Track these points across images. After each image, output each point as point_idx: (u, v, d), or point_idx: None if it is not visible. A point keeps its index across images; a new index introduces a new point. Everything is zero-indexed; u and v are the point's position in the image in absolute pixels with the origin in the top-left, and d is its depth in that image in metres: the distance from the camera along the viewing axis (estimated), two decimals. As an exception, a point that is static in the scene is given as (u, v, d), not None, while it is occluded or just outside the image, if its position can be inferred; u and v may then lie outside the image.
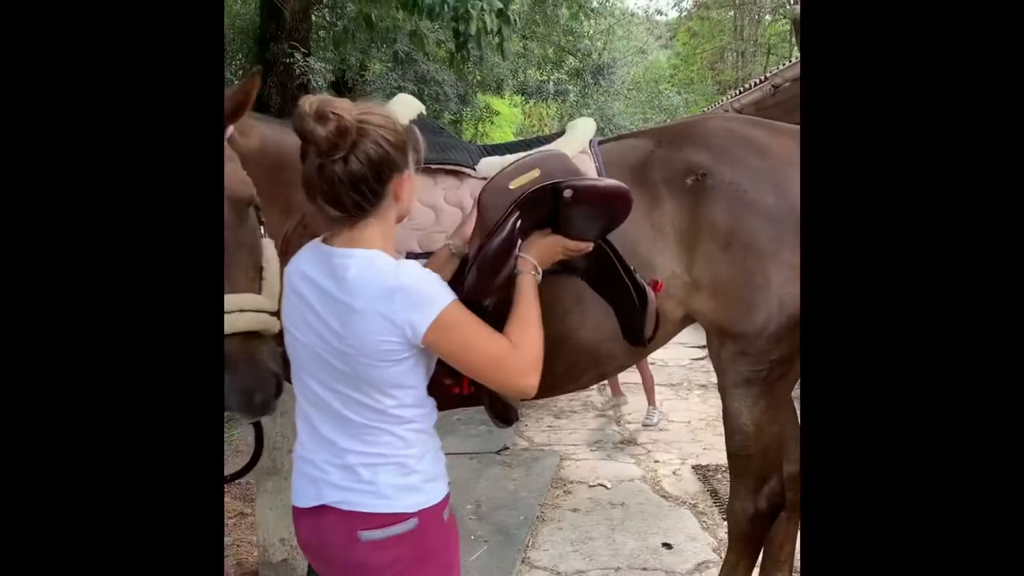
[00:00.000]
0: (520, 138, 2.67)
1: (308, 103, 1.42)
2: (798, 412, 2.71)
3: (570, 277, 2.20)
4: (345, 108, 1.42)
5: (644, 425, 5.84)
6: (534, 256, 1.72)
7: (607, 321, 2.23)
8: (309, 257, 1.55)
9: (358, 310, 1.44)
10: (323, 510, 1.53)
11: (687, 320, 2.35)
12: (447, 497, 1.59)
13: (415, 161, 1.57)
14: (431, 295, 1.47)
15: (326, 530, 1.53)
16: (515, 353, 1.55)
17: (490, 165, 2.32)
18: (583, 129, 2.42)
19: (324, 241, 1.55)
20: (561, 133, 2.46)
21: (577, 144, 2.35)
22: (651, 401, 5.95)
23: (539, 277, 1.71)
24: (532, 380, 1.58)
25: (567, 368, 2.30)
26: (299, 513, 1.60)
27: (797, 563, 2.86)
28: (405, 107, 2.41)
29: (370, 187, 1.45)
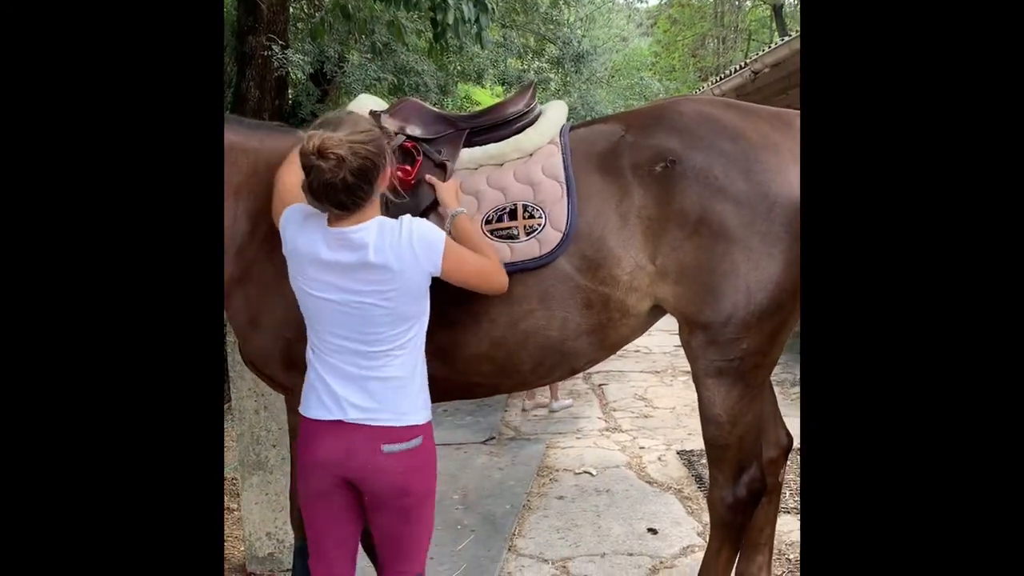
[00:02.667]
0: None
1: (312, 143, 1.80)
2: (775, 394, 2.73)
3: (535, 274, 2.19)
4: (337, 142, 1.80)
5: (551, 411, 5.91)
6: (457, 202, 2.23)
7: (574, 319, 2.22)
8: (322, 239, 1.91)
9: (396, 267, 1.87)
10: (348, 427, 1.93)
11: (657, 311, 2.32)
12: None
13: (391, 156, 1.95)
14: (433, 233, 1.94)
15: (353, 443, 1.93)
16: (485, 262, 2.06)
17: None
18: (553, 117, 2.40)
19: (330, 223, 1.91)
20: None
21: (547, 134, 2.34)
22: (553, 395, 6.00)
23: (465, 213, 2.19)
24: (502, 280, 2.09)
25: (534, 366, 2.29)
26: (321, 428, 1.96)
27: (778, 544, 2.89)
28: (366, 109, 2.41)
29: (362, 190, 1.87)
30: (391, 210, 2.11)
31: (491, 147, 2.34)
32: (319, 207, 1.91)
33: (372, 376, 1.94)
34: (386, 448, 1.93)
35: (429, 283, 1.97)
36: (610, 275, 2.19)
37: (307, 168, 1.83)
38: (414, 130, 2.35)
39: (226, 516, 4.06)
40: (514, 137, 2.35)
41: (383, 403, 1.94)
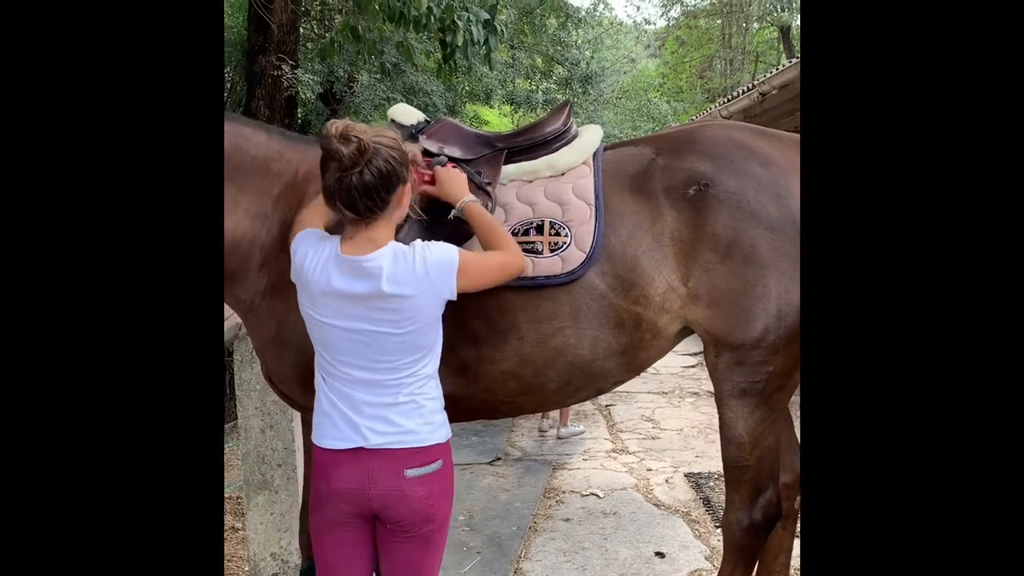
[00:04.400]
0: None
1: (335, 126, 1.75)
2: (795, 420, 2.70)
3: (568, 291, 2.18)
4: (363, 131, 1.75)
5: (559, 438, 5.76)
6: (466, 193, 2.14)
7: (605, 338, 2.22)
8: (335, 266, 1.83)
9: (410, 296, 1.80)
10: (368, 453, 1.86)
11: (684, 332, 2.32)
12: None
13: (414, 178, 1.93)
14: (447, 256, 1.86)
15: (373, 469, 1.86)
16: (503, 255, 1.99)
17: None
18: (589, 139, 2.39)
19: (343, 249, 1.84)
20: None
21: (582, 155, 2.33)
22: (563, 421, 5.83)
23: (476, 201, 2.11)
24: (520, 261, 2.03)
25: (561, 386, 2.27)
26: (339, 457, 1.88)
27: (793, 573, 2.85)
28: (404, 116, 2.41)
29: (380, 195, 1.79)
30: (445, 225, 2.10)
31: (525, 164, 2.34)
32: (332, 210, 1.85)
33: (388, 403, 1.87)
34: (409, 472, 1.86)
35: (443, 310, 1.90)
36: (643, 295, 2.19)
37: (326, 155, 1.76)
38: (453, 151, 2.33)
39: (231, 536, 4.04)
40: (548, 155, 2.34)
41: (403, 427, 1.87)
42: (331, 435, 1.89)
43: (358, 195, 1.77)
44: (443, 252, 1.87)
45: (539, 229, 2.22)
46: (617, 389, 6.93)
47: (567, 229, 2.20)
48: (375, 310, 1.81)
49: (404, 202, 1.89)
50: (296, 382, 2.24)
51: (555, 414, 5.83)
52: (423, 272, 1.81)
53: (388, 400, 1.87)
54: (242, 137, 2.24)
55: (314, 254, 1.88)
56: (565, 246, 2.19)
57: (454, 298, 1.88)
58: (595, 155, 2.35)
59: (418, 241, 1.90)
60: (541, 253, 2.19)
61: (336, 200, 1.79)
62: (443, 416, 1.97)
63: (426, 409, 1.91)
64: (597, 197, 2.24)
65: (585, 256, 2.18)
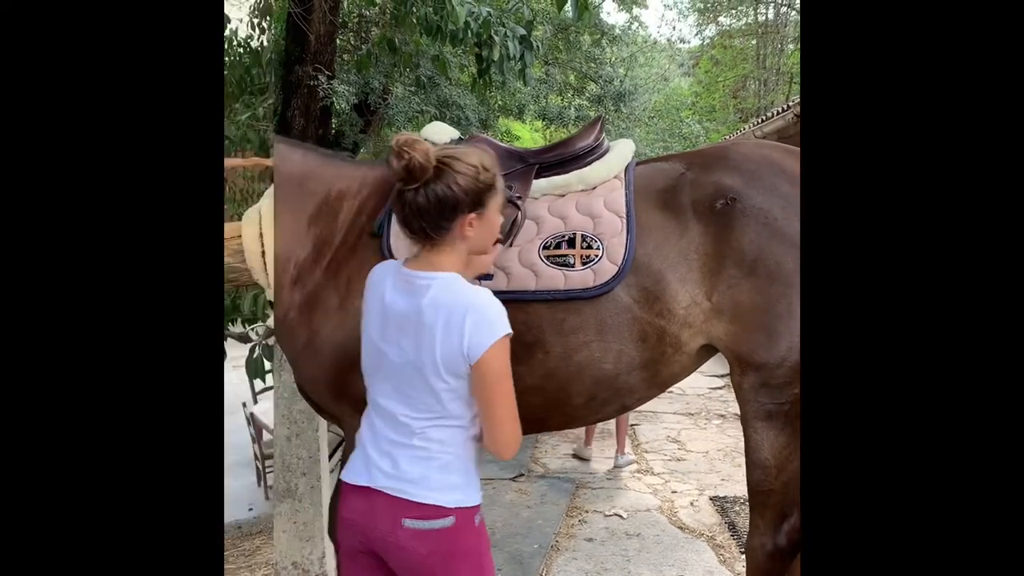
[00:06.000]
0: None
1: (396, 140, 1.63)
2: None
3: (593, 305, 2.18)
4: (422, 149, 1.61)
5: (616, 466, 5.59)
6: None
7: (628, 351, 2.20)
8: (392, 278, 1.74)
9: (430, 325, 1.64)
10: (373, 492, 1.72)
11: (708, 350, 2.29)
12: (479, 504, 1.76)
13: (495, 205, 1.74)
14: (497, 320, 1.65)
15: (376, 511, 1.71)
16: (516, 422, 1.71)
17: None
18: (621, 152, 2.40)
19: (405, 263, 1.74)
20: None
21: (613, 169, 2.34)
22: (620, 449, 5.61)
23: None
24: (514, 438, 1.71)
25: (586, 400, 2.25)
26: (349, 490, 1.78)
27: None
28: (437, 134, 2.44)
29: (434, 220, 1.65)
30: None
31: (556, 178, 2.35)
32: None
33: (402, 443, 1.72)
34: (407, 523, 1.67)
35: (469, 371, 1.66)
36: (667, 308, 2.18)
37: (388, 165, 1.66)
38: None
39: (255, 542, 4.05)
40: (580, 170, 2.35)
41: (406, 474, 1.70)
42: (350, 466, 1.81)
43: (411, 214, 1.65)
44: (497, 312, 1.66)
45: (571, 242, 2.23)
46: (643, 409, 6.92)
47: (599, 242, 2.21)
48: (408, 333, 1.68)
49: (470, 235, 1.72)
50: (328, 390, 2.27)
51: (596, 434, 5.76)
52: (461, 310, 1.64)
53: (403, 440, 1.72)
54: (279, 156, 2.30)
55: (382, 269, 1.82)
56: (597, 259, 2.19)
57: (471, 361, 1.64)
58: (627, 169, 2.36)
59: (486, 289, 1.73)
60: (573, 266, 2.19)
61: (396, 212, 1.71)
62: (464, 478, 1.74)
63: (437, 463, 1.71)
64: (629, 210, 2.24)
65: (617, 269, 2.18)
